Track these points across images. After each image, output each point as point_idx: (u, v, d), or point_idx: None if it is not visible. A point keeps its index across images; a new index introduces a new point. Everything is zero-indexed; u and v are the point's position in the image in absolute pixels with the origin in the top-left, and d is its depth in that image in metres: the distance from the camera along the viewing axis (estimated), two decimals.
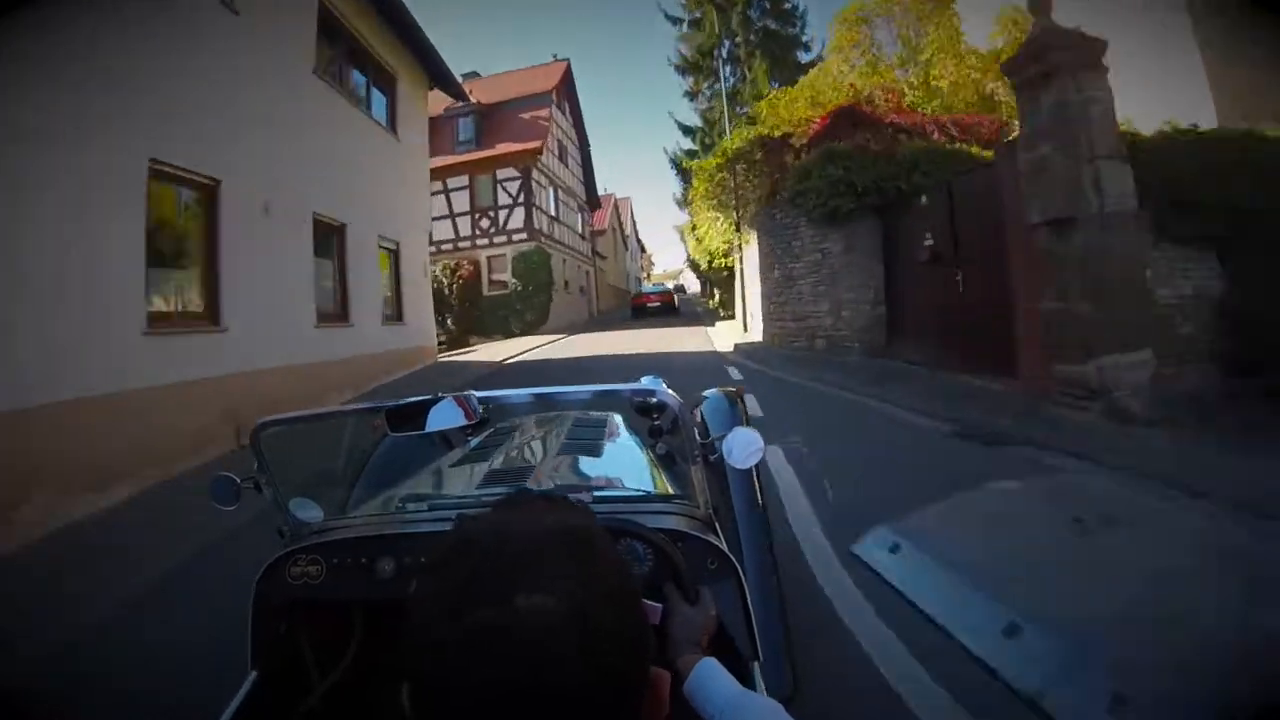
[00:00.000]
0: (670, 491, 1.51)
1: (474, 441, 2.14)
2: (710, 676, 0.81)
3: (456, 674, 0.40)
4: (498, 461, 1.79)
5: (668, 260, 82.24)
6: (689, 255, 29.56)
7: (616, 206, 38.38)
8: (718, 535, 1.21)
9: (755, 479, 1.73)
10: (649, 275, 60.81)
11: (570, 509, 0.51)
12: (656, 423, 2.06)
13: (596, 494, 1.36)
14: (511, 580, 0.42)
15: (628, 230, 44.62)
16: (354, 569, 1.22)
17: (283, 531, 1.34)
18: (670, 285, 32.74)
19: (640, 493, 1.47)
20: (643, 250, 58.23)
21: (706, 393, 2.25)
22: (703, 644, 0.93)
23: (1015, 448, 4.24)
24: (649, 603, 0.96)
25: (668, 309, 23.53)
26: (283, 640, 1.25)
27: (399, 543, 1.22)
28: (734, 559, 1.13)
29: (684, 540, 1.12)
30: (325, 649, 1.31)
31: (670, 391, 1.31)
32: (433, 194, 15.95)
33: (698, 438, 1.21)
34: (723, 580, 1.10)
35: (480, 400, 1.19)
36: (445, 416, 1.20)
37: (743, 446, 1.19)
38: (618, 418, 2.23)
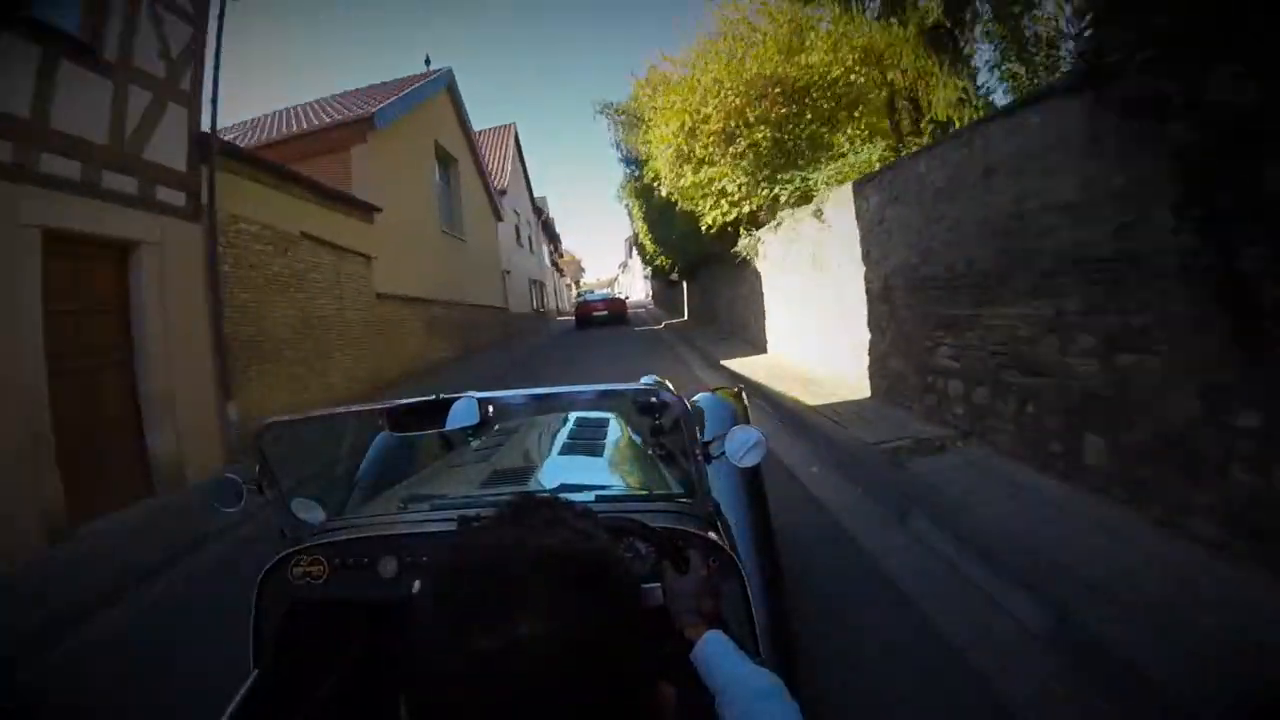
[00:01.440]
0: (672, 490, 1.52)
1: (476, 442, 2.14)
2: (714, 648, 0.83)
3: (458, 700, 0.40)
4: (500, 461, 1.80)
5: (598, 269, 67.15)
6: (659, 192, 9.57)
7: (464, 121, 15.65)
8: (719, 534, 1.22)
9: (758, 477, 1.74)
10: (576, 283, 47.31)
11: (576, 526, 0.49)
12: (658, 422, 2.07)
13: (599, 494, 1.37)
14: (513, 607, 0.41)
15: (502, 181, 20.11)
16: (356, 569, 1.22)
17: (285, 532, 1.33)
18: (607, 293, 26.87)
19: (642, 492, 1.48)
20: (554, 243, 35.60)
21: (707, 392, 2.26)
22: (706, 608, 0.96)
23: None
24: (647, 585, 0.98)
25: (617, 318, 20.09)
26: (284, 640, 1.25)
27: (401, 543, 1.22)
28: (736, 558, 1.14)
29: (686, 539, 1.12)
30: (327, 649, 1.31)
31: (672, 391, 1.32)
32: None
33: (699, 436, 1.22)
34: (725, 579, 1.10)
35: (481, 401, 1.20)
36: (446, 417, 1.20)
37: (744, 445, 1.20)
38: (619, 417, 2.24)
